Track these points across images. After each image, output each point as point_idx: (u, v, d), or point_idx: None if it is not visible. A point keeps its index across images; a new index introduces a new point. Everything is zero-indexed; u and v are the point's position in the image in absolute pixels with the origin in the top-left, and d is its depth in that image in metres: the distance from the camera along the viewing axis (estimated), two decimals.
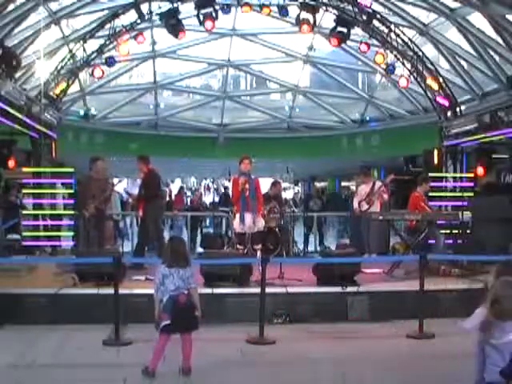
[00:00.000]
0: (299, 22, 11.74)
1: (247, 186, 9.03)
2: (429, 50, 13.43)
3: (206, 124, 20.56)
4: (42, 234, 11.66)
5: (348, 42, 13.04)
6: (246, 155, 9.42)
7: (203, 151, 19.53)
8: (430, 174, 12.13)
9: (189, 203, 20.97)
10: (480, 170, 11.96)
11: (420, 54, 12.40)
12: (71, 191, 12.37)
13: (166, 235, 10.81)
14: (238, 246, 9.41)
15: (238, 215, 9.12)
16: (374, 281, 8.11)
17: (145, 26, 13.34)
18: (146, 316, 6.77)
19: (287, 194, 15.00)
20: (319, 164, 22.62)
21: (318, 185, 25.58)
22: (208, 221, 19.19)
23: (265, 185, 12.32)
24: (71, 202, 12.49)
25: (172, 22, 11.46)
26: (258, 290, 6.62)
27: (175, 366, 5.22)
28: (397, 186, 16.31)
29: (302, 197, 16.27)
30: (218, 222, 15.62)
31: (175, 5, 11.43)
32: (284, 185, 14.98)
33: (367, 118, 19.09)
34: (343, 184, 26.43)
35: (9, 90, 9.69)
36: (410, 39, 12.45)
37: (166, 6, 11.51)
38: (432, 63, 12.57)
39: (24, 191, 12.84)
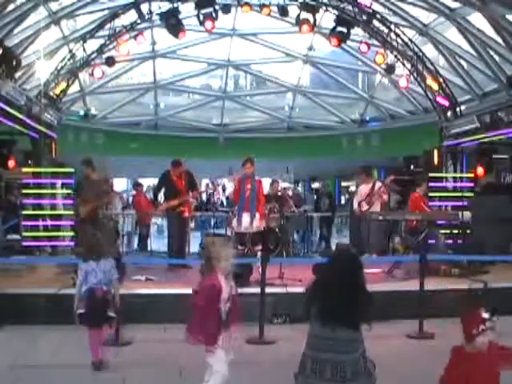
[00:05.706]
0: (299, 22, 11.74)
1: (249, 186, 9.02)
2: (429, 50, 13.42)
3: (206, 124, 20.55)
4: (42, 234, 11.65)
5: (348, 42, 13.03)
6: (248, 158, 9.37)
7: (203, 151, 19.49)
8: (430, 174, 12.13)
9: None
10: (480, 170, 11.96)
11: (420, 54, 12.39)
12: (71, 191, 12.35)
13: None
14: (239, 247, 9.41)
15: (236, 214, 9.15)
16: (373, 281, 8.08)
17: (145, 26, 13.34)
18: (145, 316, 6.79)
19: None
20: (319, 164, 22.62)
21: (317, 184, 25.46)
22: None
23: (265, 185, 12.26)
24: (71, 202, 12.43)
25: (172, 22, 11.45)
26: (258, 290, 6.62)
27: (175, 366, 5.21)
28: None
29: (302, 197, 16.22)
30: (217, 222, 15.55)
31: (175, 5, 11.43)
32: (284, 185, 14.96)
33: (367, 118, 19.10)
34: (343, 184, 26.40)
35: (9, 90, 9.68)
36: (410, 39, 12.45)
37: (166, 6, 11.50)
38: (432, 63, 12.57)
39: (24, 191, 12.83)
